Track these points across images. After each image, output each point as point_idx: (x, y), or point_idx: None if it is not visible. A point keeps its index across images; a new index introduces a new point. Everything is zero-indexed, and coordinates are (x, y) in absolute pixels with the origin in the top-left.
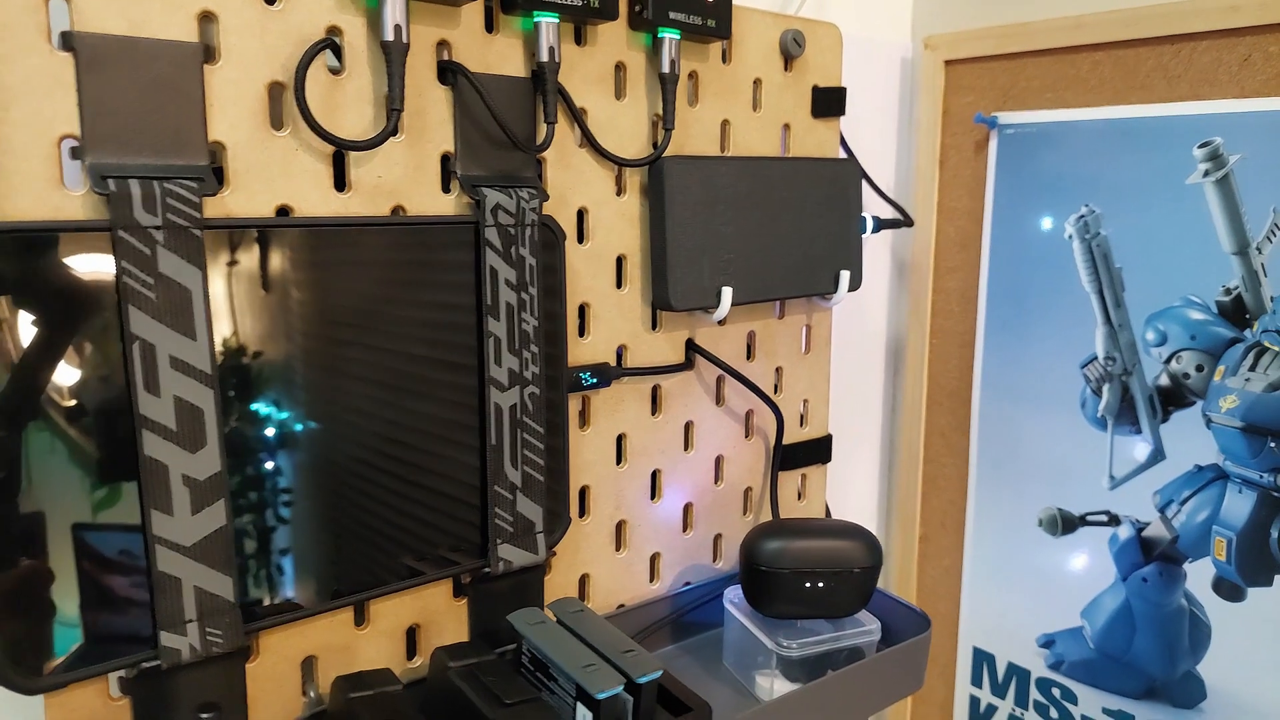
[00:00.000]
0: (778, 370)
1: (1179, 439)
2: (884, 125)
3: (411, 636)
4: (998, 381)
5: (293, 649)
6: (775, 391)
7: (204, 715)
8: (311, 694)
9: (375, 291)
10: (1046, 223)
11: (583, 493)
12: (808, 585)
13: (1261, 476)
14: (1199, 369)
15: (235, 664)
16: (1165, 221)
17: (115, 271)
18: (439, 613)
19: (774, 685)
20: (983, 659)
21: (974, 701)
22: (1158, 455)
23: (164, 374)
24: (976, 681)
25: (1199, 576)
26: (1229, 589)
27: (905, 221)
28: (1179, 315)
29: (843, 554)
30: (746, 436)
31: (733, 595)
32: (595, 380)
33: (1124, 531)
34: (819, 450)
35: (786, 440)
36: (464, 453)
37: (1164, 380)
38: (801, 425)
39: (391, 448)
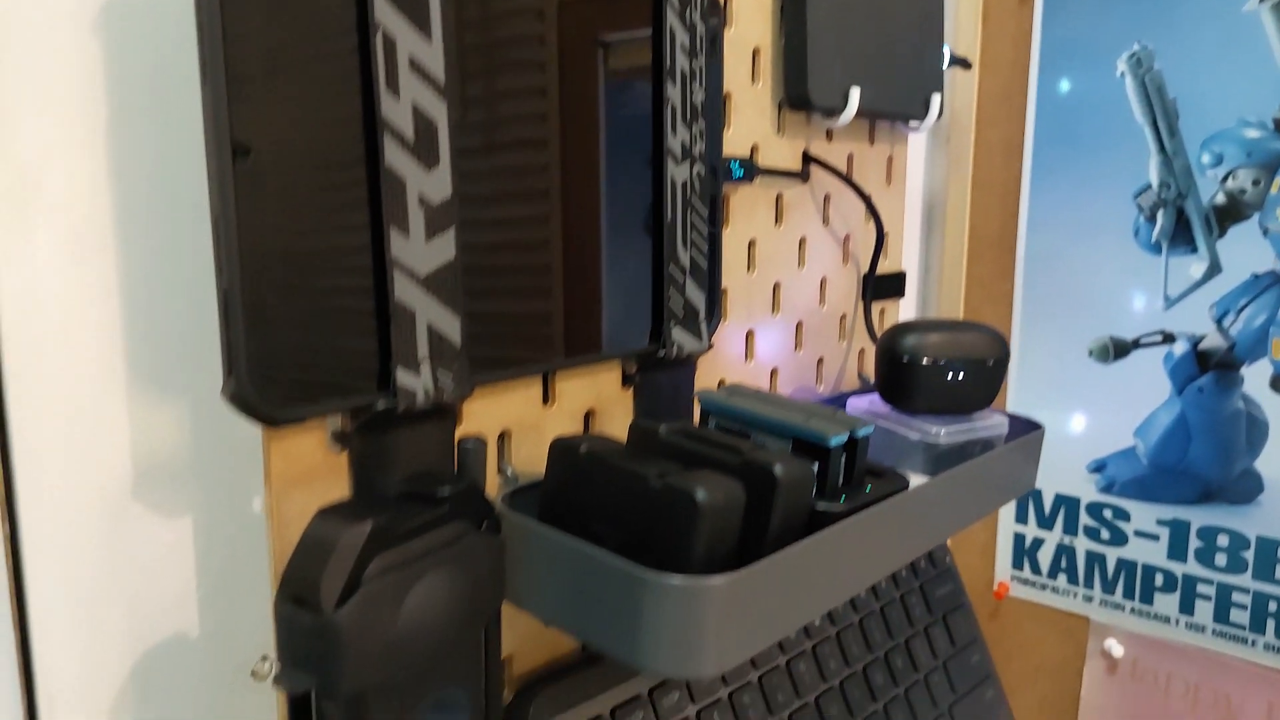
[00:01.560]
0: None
1: (1236, 253)
2: None
3: (587, 421)
4: (1045, 224)
5: (493, 419)
6: (863, 220)
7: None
8: (509, 471)
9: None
10: (1095, 66)
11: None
12: (949, 377)
13: None
14: (1255, 183)
15: (447, 426)
16: (1221, 51)
17: None
18: (611, 400)
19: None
20: (1028, 495)
21: (1018, 539)
22: (1214, 270)
23: (403, 74)
24: (1021, 518)
25: (1256, 378)
26: None
27: (964, 63)
28: (1235, 135)
29: (978, 346)
30: (844, 262)
31: (856, 404)
32: (742, 173)
33: (1179, 348)
34: (897, 284)
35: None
36: (639, 233)
37: (1220, 199)
38: (883, 256)
39: (575, 219)
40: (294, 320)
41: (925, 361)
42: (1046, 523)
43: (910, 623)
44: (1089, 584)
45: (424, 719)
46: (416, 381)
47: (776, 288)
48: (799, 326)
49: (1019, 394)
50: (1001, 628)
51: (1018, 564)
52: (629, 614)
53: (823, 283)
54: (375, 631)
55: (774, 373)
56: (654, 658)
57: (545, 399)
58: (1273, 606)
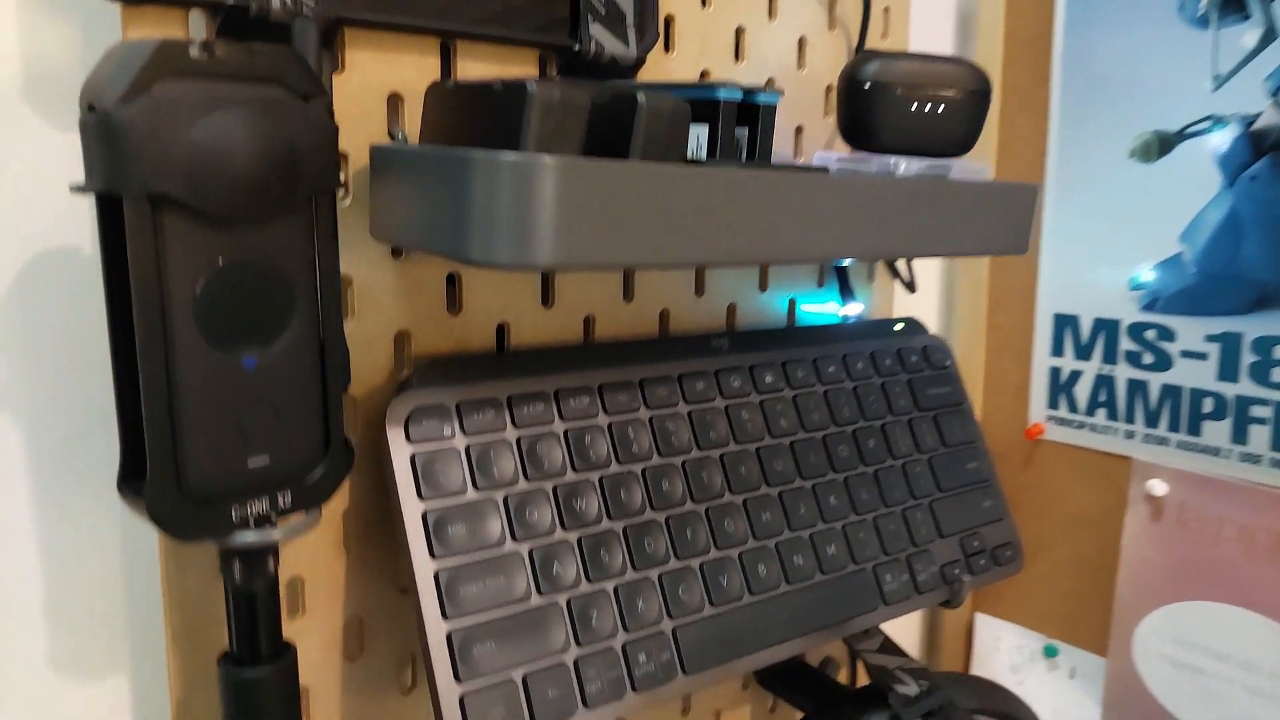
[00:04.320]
0: None
1: None
2: None
3: None
4: (1083, 20)
5: (383, 80)
6: None
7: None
8: (399, 134)
9: None
10: None
11: (666, 23)
12: (915, 108)
13: None
14: None
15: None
16: None
17: None
18: None
19: None
20: (1064, 324)
21: (1054, 374)
22: (1270, 35)
23: None
24: (1057, 350)
25: None
26: None
27: None
28: None
29: (952, 75)
30: (830, 28)
31: (824, 156)
32: None
33: (1230, 132)
34: None
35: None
36: None
37: None
38: (883, 36)
39: None
40: None
41: (889, 88)
42: (1084, 352)
43: (890, 409)
44: (1130, 417)
45: (241, 280)
46: None
47: (740, 33)
48: (769, 83)
49: (1056, 210)
50: (1036, 476)
51: (1053, 402)
52: (464, 204)
53: (801, 42)
54: (164, 139)
55: None
56: (488, 244)
57: (445, 73)
58: None
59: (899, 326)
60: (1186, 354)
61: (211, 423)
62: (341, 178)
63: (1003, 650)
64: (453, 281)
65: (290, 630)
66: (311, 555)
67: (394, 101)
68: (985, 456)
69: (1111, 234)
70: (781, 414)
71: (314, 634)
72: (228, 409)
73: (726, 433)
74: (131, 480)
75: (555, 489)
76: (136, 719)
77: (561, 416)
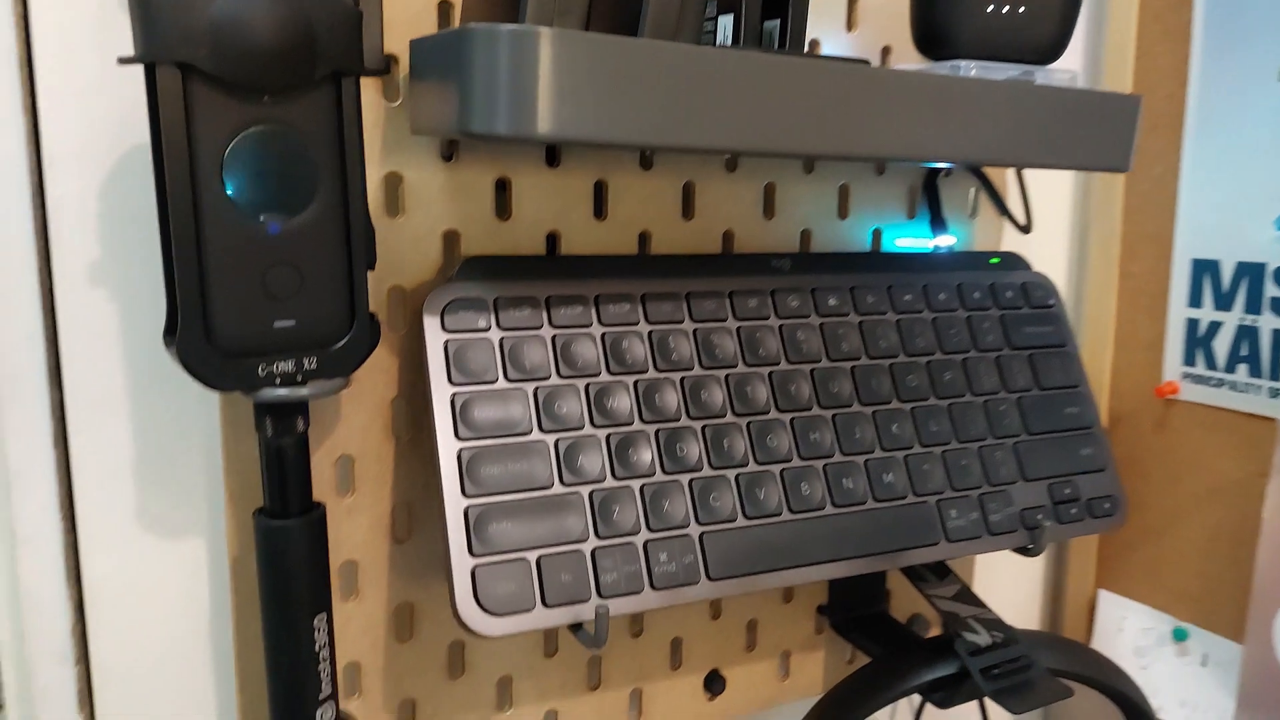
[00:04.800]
0: None
1: None
2: None
3: None
4: None
5: None
6: None
7: None
8: None
9: None
10: None
11: None
12: (992, 8)
13: None
14: None
15: None
16: None
17: None
18: None
19: None
20: (1203, 270)
21: (1191, 327)
22: None
23: None
24: (1195, 301)
25: None
26: None
27: None
28: None
29: None
30: None
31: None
32: None
33: None
34: None
35: None
36: None
37: None
38: None
39: None
40: None
41: None
42: (1224, 301)
43: (974, 344)
44: (1275, 374)
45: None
46: None
47: None
48: None
49: (1197, 146)
50: (1169, 440)
51: (1189, 358)
52: (468, 76)
53: None
54: (190, 11)
55: None
56: (489, 115)
57: None
58: None
59: (995, 260)
60: None
61: (237, 280)
62: (380, 68)
63: (1127, 632)
64: (503, 188)
65: (341, 507)
66: (362, 438)
67: (444, 7)
68: (1089, 403)
69: (1257, 169)
70: (844, 338)
71: (364, 512)
72: (253, 269)
73: (778, 351)
74: (171, 333)
75: (587, 387)
76: (211, 574)
77: (600, 321)
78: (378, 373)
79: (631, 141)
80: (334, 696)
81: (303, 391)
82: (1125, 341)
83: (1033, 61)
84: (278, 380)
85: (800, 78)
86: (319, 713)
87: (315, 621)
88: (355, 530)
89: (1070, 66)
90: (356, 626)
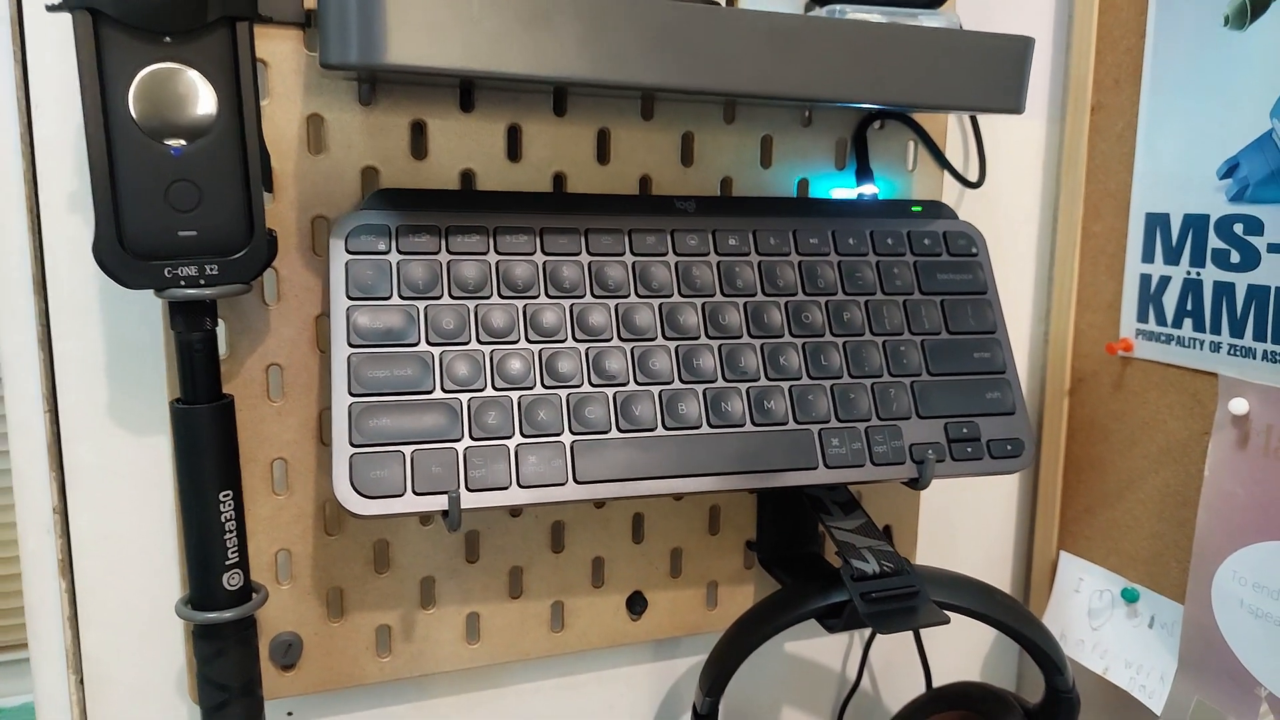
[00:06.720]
0: None
1: None
2: None
3: None
4: None
5: None
6: None
7: None
8: None
9: None
10: None
11: None
12: None
13: None
14: None
15: None
16: None
17: None
18: None
19: None
20: (1155, 223)
21: (1144, 283)
22: None
23: None
24: (1148, 256)
25: None
26: None
27: None
28: None
29: None
30: None
31: None
32: None
33: None
34: None
35: None
36: None
37: None
38: None
39: None
40: None
41: None
42: (1173, 256)
43: (880, 287)
44: (1215, 326)
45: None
46: None
47: None
48: None
49: (1153, 97)
50: (1126, 401)
51: (1142, 314)
52: (325, 12)
53: None
54: None
55: None
56: (343, 46)
57: None
58: None
59: (917, 209)
60: (1274, 248)
61: (144, 194)
62: (299, 19)
63: (1082, 593)
64: (421, 130)
65: (272, 410)
66: (290, 349)
67: None
68: (1003, 348)
69: (1203, 117)
70: (739, 275)
71: (293, 415)
72: (157, 185)
73: (670, 283)
74: None
75: (475, 308)
76: (171, 461)
77: (496, 250)
78: (303, 291)
79: (476, 71)
80: (242, 565)
81: (207, 292)
82: (1088, 301)
83: (915, 5)
84: (182, 281)
85: (644, 11)
86: (226, 577)
87: (222, 496)
88: (284, 430)
89: (958, 14)
90: (287, 516)
